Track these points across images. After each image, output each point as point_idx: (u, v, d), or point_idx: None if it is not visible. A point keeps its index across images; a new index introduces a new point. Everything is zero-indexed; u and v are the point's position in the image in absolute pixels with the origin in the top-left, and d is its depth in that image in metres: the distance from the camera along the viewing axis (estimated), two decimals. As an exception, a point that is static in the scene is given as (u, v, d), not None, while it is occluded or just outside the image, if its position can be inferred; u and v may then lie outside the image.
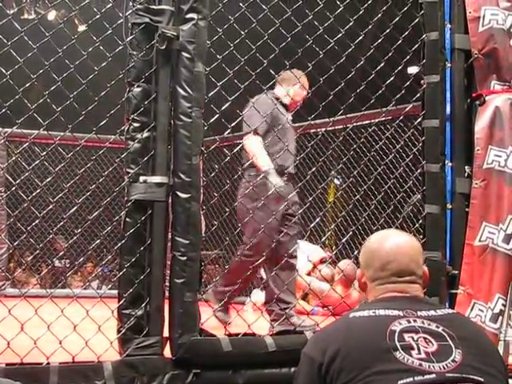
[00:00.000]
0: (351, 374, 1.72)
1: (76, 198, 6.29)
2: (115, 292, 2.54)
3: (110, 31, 2.60)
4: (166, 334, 2.52)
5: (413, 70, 3.25)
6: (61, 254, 7.39)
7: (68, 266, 7.95)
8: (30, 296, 2.52)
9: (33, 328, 2.44)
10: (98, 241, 5.92)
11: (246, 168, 4.24)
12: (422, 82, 3.05)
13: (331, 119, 3.59)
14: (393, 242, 2.03)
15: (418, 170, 3.09)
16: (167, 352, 2.50)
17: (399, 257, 1.98)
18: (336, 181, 7.82)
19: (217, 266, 7.71)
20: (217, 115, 2.71)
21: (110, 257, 7.02)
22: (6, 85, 2.48)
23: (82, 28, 8.21)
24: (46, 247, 7.11)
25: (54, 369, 2.33)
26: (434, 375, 1.69)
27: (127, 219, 2.50)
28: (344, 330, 1.85)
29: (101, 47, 2.56)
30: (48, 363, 2.35)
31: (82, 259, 6.96)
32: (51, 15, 8.51)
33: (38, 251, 6.98)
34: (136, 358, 2.43)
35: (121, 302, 2.48)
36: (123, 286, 2.49)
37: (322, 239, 6.32)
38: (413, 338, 1.77)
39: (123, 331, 2.46)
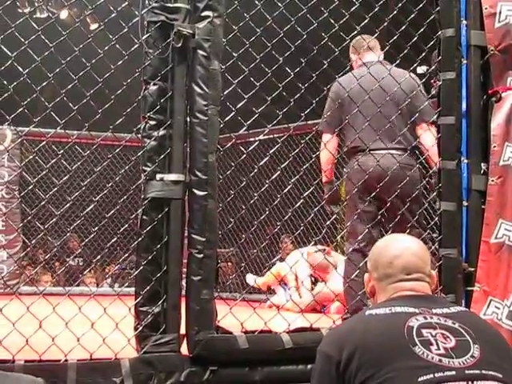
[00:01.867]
0: (370, 370, 1.71)
1: (91, 196, 6.35)
2: (129, 290, 2.55)
3: (125, 29, 2.61)
4: (182, 331, 2.52)
5: (421, 69, 3.25)
6: (75, 252, 7.44)
7: (82, 264, 7.99)
8: (44, 294, 2.53)
9: (50, 326, 2.45)
10: (113, 240, 5.97)
11: None
12: (432, 81, 3.05)
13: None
14: (399, 242, 2.07)
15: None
16: (184, 349, 2.51)
17: (405, 253, 1.99)
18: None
19: (229, 263, 7.73)
20: (232, 113, 2.71)
21: (124, 255, 7.08)
22: (19, 83, 2.49)
23: (94, 26, 8.25)
24: (60, 245, 7.16)
25: (72, 365, 2.34)
26: (454, 372, 1.69)
27: (144, 217, 2.51)
28: (361, 328, 1.85)
29: (117, 45, 2.56)
30: (66, 360, 2.36)
31: (97, 258, 6.96)
32: (64, 14, 8.53)
33: (53, 250, 7.04)
34: (153, 355, 2.43)
35: (138, 300, 2.49)
36: (140, 284, 2.50)
37: (337, 238, 6.30)
38: (431, 334, 1.77)
39: (140, 328, 2.47)
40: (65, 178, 3.20)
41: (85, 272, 7.46)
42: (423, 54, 3.05)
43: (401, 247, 2.02)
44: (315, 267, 5.46)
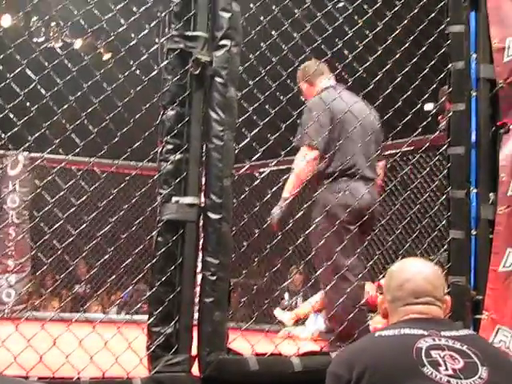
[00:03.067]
0: None
1: (99, 224, 6.37)
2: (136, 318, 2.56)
3: (144, 56, 2.69)
4: (194, 352, 2.55)
5: (429, 107, 3.31)
6: (82, 280, 7.46)
7: (88, 291, 8.01)
8: (51, 320, 2.59)
9: (63, 345, 2.49)
10: (121, 270, 5.97)
11: None
12: (439, 117, 3.10)
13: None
14: (411, 265, 2.10)
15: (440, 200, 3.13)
16: (195, 370, 2.54)
17: (416, 277, 2.02)
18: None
19: (235, 294, 7.72)
20: (247, 139, 2.77)
21: (131, 284, 7.08)
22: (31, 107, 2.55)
23: (106, 57, 8.38)
24: (66, 273, 7.16)
25: (85, 383, 2.37)
26: None
27: (159, 238, 2.55)
28: (370, 348, 1.88)
29: (136, 72, 2.63)
30: (79, 378, 2.39)
31: (105, 287, 6.97)
32: (77, 43, 8.67)
33: (60, 278, 7.05)
34: (165, 375, 2.46)
35: (151, 320, 2.52)
36: (153, 304, 2.54)
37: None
38: (439, 355, 1.79)
39: (152, 348, 2.50)
40: (70, 211, 3.16)
41: (89, 302, 7.47)
42: (434, 86, 3.12)
43: (413, 271, 2.05)
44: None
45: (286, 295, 7.08)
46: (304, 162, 3.76)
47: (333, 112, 3.65)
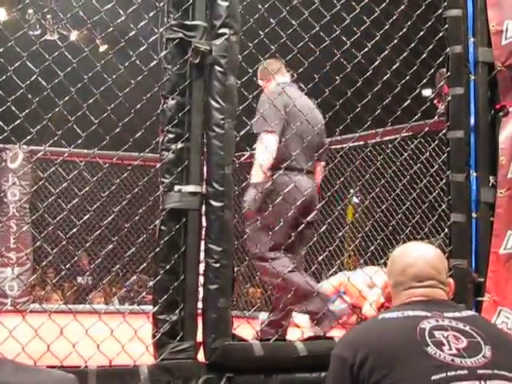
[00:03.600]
0: (384, 371, 1.76)
1: (101, 216, 6.41)
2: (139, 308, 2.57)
3: (144, 46, 2.69)
4: (199, 338, 2.58)
5: (427, 92, 3.33)
6: (85, 271, 7.50)
7: (91, 283, 8.05)
8: (54, 312, 2.58)
9: (69, 335, 2.51)
10: (122, 261, 6.01)
11: None
12: (435, 101, 3.11)
13: (357, 134, 3.64)
14: (413, 249, 2.11)
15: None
16: (201, 356, 2.56)
17: (418, 262, 2.04)
18: (355, 199, 7.85)
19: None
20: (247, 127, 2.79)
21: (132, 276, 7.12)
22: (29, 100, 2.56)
23: (103, 48, 8.38)
24: (69, 264, 7.21)
25: (92, 372, 2.39)
26: (466, 371, 1.74)
27: (162, 227, 2.57)
28: (374, 331, 1.91)
29: (137, 62, 2.64)
30: (86, 366, 2.42)
31: (109, 276, 7.01)
32: (73, 35, 8.66)
33: (62, 270, 7.09)
34: (171, 362, 2.49)
35: (156, 308, 2.55)
36: (158, 292, 2.56)
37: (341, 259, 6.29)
38: (443, 335, 1.82)
39: (158, 336, 2.53)
40: (73, 202, 3.19)
41: (93, 293, 7.51)
42: (432, 71, 3.13)
43: (415, 255, 2.06)
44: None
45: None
46: (265, 151, 3.86)
47: (285, 103, 3.74)
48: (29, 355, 2.39)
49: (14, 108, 2.48)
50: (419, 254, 2.07)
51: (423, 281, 2.01)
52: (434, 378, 1.72)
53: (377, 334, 1.88)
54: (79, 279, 7.76)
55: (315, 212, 3.52)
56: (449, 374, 1.73)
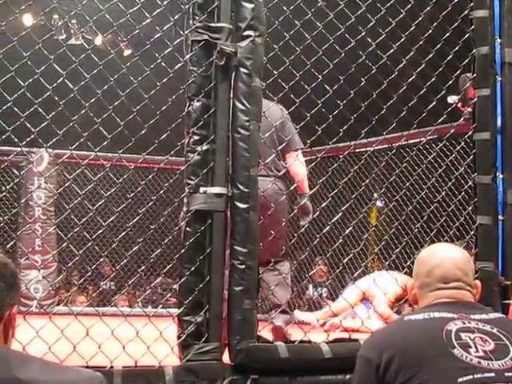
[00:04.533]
0: (409, 372, 1.75)
1: (125, 218, 6.43)
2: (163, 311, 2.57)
3: (170, 49, 2.71)
4: (224, 340, 2.57)
5: (451, 99, 3.30)
6: (107, 277, 7.53)
7: (113, 288, 8.08)
8: (79, 314, 2.62)
9: (95, 336, 2.53)
10: (144, 266, 6.00)
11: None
12: (459, 105, 3.08)
13: (382, 137, 3.62)
14: (440, 251, 2.09)
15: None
16: (226, 358, 2.57)
17: (444, 263, 2.02)
18: (378, 203, 7.81)
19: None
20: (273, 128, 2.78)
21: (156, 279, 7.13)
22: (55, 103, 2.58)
23: (127, 53, 8.43)
24: (93, 269, 7.24)
25: (118, 372, 2.40)
26: (493, 373, 1.72)
27: (187, 229, 2.58)
28: (400, 332, 1.90)
29: (162, 64, 2.65)
30: (111, 367, 2.43)
31: (134, 279, 7.04)
32: (98, 39, 8.71)
33: (86, 275, 7.11)
34: (196, 364, 2.49)
35: (181, 309, 2.56)
36: (183, 294, 2.57)
37: (365, 262, 6.26)
38: (469, 337, 1.80)
39: (183, 337, 2.53)
40: (99, 204, 3.20)
41: (117, 296, 7.53)
42: (458, 72, 3.11)
43: (442, 257, 2.05)
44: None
45: (310, 287, 7.03)
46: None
47: None
48: (55, 355, 2.40)
49: (40, 110, 2.50)
50: (446, 256, 2.05)
51: (450, 282, 2.00)
52: (460, 380, 1.71)
53: (402, 335, 1.87)
54: (102, 283, 7.78)
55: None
56: (475, 376, 1.71)
